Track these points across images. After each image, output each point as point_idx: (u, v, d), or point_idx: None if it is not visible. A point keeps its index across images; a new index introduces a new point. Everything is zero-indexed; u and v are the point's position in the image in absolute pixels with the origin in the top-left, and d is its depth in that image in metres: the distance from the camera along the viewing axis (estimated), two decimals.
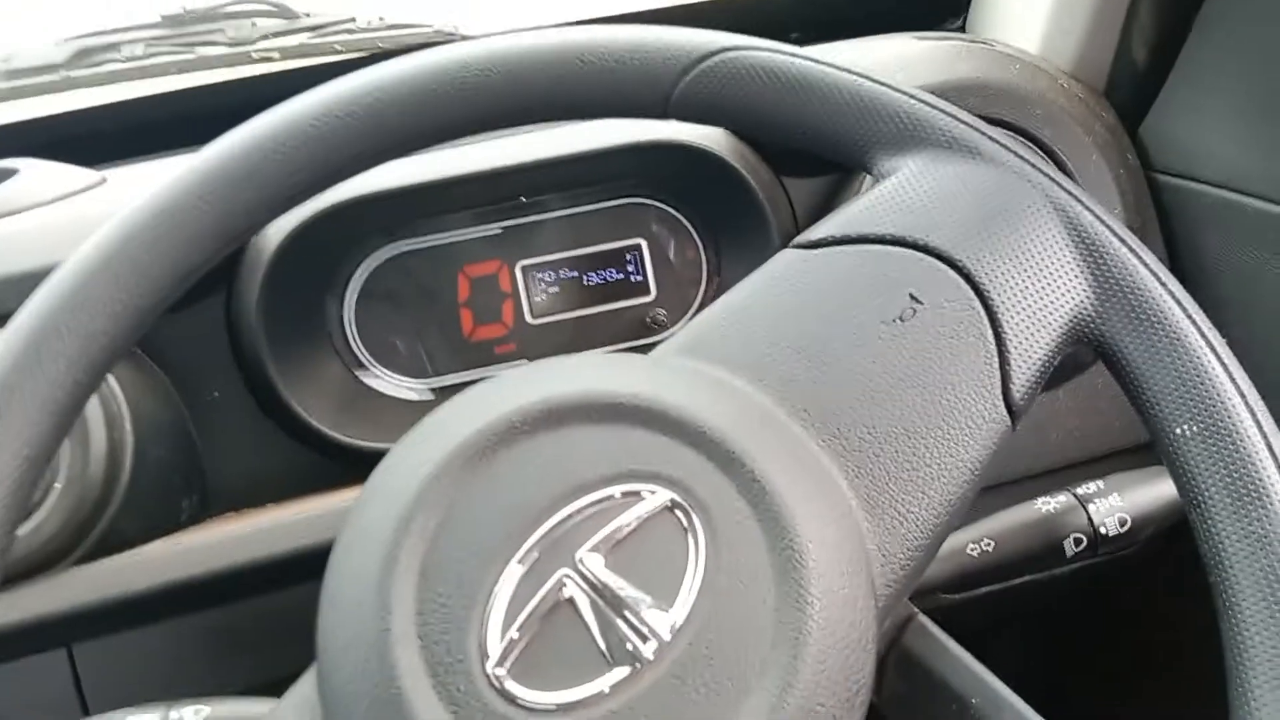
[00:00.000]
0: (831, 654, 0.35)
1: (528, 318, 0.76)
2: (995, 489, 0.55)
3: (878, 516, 0.39)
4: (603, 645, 0.35)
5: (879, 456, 0.40)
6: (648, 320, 0.77)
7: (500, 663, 0.34)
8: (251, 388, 0.68)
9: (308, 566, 0.61)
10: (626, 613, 0.35)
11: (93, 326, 0.41)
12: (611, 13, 0.92)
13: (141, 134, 0.82)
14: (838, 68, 0.46)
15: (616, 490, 0.37)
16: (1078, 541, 0.52)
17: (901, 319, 0.42)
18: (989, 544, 0.51)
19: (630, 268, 0.77)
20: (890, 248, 0.44)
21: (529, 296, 0.76)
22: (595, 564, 0.36)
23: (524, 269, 0.76)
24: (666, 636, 0.35)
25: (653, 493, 0.37)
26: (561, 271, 0.76)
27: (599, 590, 0.35)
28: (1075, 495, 0.53)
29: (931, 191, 0.44)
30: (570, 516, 0.37)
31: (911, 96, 0.46)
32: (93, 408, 0.60)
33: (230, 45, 0.82)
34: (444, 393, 0.75)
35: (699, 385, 0.40)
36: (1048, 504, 0.53)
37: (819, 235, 0.45)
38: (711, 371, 0.42)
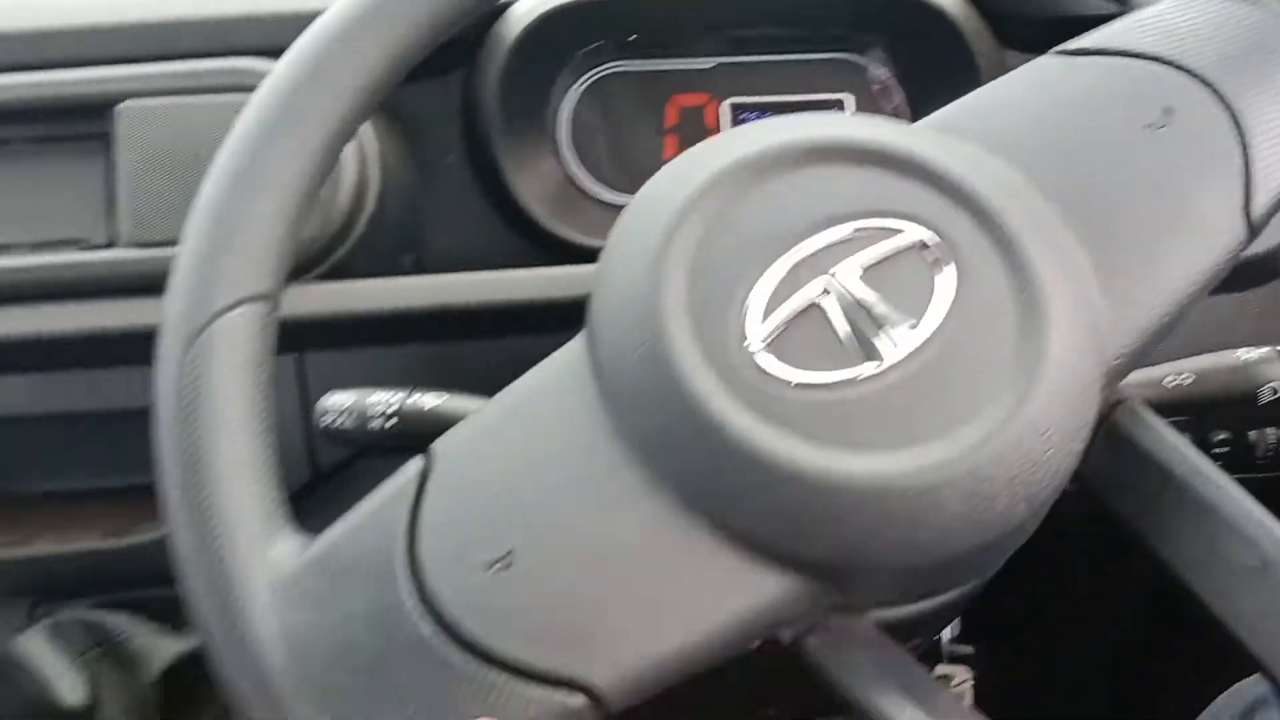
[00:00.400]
0: (1062, 390, 0.39)
1: None
2: None
3: (1113, 296, 0.42)
4: (851, 343, 0.39)
5: (1121, 243, 0.43)
6: None
7: (757, 339, 0.39)
8: (476, 166, 0.72)
9: (511, 319, 0.67)
10: (875, 321, 0.39)
11: (369, 59, 0.45)
12: None
13: None
14: None
15: (875, 223, 0.41)
16: (1273, 391, 0.55)
17: (1156, 127, 0.45)
18: (1187, 378, 0.54)
19: None
20: (1150, 63, 0.46)
21: None
22: (850, 277, 0.40)
23: (731, 106, 0.79)
24: (913, 344, 0.39)
25: (907, 229, 0.41)
26: (767, 115, 0.79)
27: (852, 297, 0.40)
28: (1277, 351, 0.56)
29: (1194, 20, 0.47)
30: (831, 237, 0.41)
31: None
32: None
33: None
34: None
35: (955, 150, 0.44)
36: (1249, 354, 0.55)
37: (1081, 45, 0.48)
38: (966, 144, 0.45)
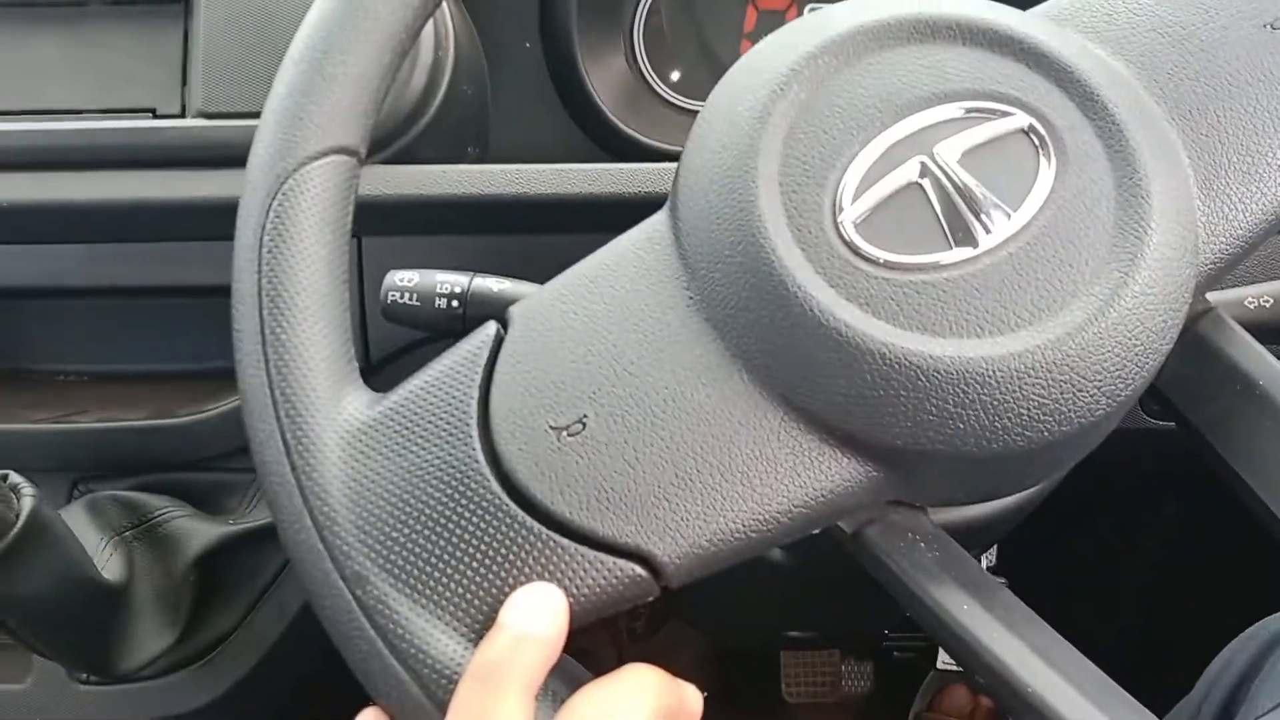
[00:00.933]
0: (1156, 287, 0.38)
1: None
2: None
3: (1211, 197, 0.41)
4: (946, 227, 0.38)
5: (1223, 144, 0.41)
6: None
7: (850, 218, 0.38)
8: (550, 58, 0.71)
9: (580, 212, 0.66)
10: (974, 205, 0.38)
11: None
12: None
13: None
14: None
15: (981, 104, 0.40)
16: None
17: (1273, 26, 0.43)
18: (1267, 300, 0.53)
19: None
20: None
21: None
22: (950, 159, 0.39)
23: (811, 10, 0.77)
24: (1008, 231, 0.38)
25: (1013, 114, 0.40)
26: None
27: (951, 179, 0.38)
28: None
29: None
30: (934, 116, 0.40)
31: None
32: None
33: None
34: None
35: (1064, 38, 0.42)
36: None
37: None
38: (1076, 34, 0.43)
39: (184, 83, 0.64)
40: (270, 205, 0.39)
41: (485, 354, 0.38)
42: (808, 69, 0.40)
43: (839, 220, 0.38)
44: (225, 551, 0.69)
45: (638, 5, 0.75)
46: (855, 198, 0.38)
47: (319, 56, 0.41)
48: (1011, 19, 0.42)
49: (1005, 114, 0.40)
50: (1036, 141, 0.39)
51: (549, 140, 0.73)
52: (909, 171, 0.39)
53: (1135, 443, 0.57)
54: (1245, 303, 0.53)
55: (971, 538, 0.62)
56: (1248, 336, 0.44)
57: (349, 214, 0.41)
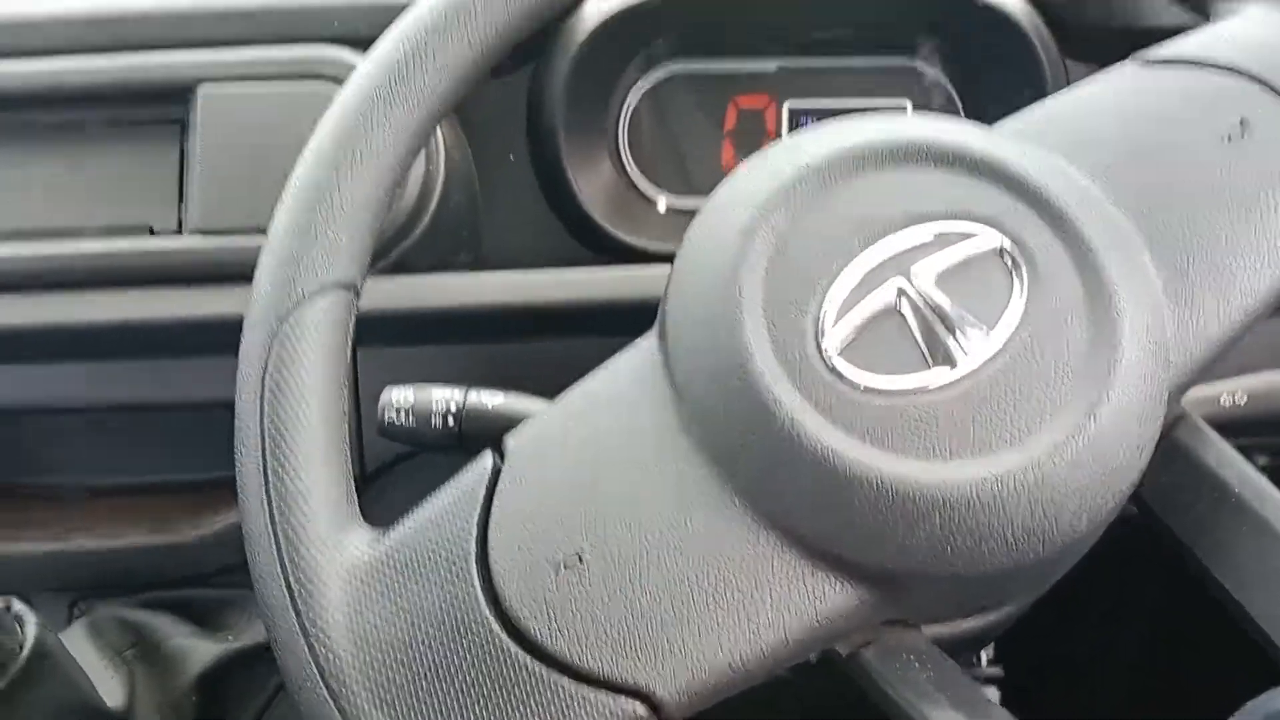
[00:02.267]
0: (1131, 401, 0.39)
1: None
2: None
3: (1180, 308, 0.42)
4: (924, 348, 0.39)
5: (1190, 253, 0.43)
6: None
7: (832, 343, 0.39)
8: (538, 166, 0.73)
9: (568, 319, 0.67)
10: (950, 325, 0.39)
11: (457, 53, 0.45)
12: None
13: None
14: None
15: (953, 226, 0.41)
16: None
17: (1231, 139, 0.45)
18: (1241, 398, 0.54)
19: None
20: (1227, 75, 0.46)
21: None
22: (926, 280, 0.40)
23: (791, 110, 0.79)
24: (986, 353, 0.39)
25: (986, 234, 0.41)
26: (824, 119, 0.79)
27: (927, 301, 0.40)
28: None
29: (1270, 35, 0.47)
30: (909, 239, 0.41)
31: None
32: None
33: None
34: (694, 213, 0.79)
35: (1035, 157, 0.44)
36: None
37: (1161, 55, 0.48)
38: (1043, 151, 0.45)
39: (180, 199, 0.65)
40: (271, 346, 0.40)
41: (482, 490, 0.39)
42: (786, 197, 0.42)
43: (822, 345, 0.39)
44: (226, 670, 0.69)
45: (621, 109, 0.77)
46: (836, 321, 0.39)
47: (315, 195, 0.42)
48: (982, 141, 0.44)
49: (978, 235, 0.41)
50: (1009, 262, 0.41)
51: (539, 243, 0.74)
52: (887, 294, 0.40)
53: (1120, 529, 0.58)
54: (1220, 400, 0.54)
55: (967, 644, 0.63)
56: (1222, 443, 0.45)
57: (347, 346, 0.42)
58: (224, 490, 0.71)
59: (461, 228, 0.71)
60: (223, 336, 0.63)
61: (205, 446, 0.70)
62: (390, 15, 0.65)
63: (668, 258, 0.75)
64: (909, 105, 0.79)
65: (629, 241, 0.74)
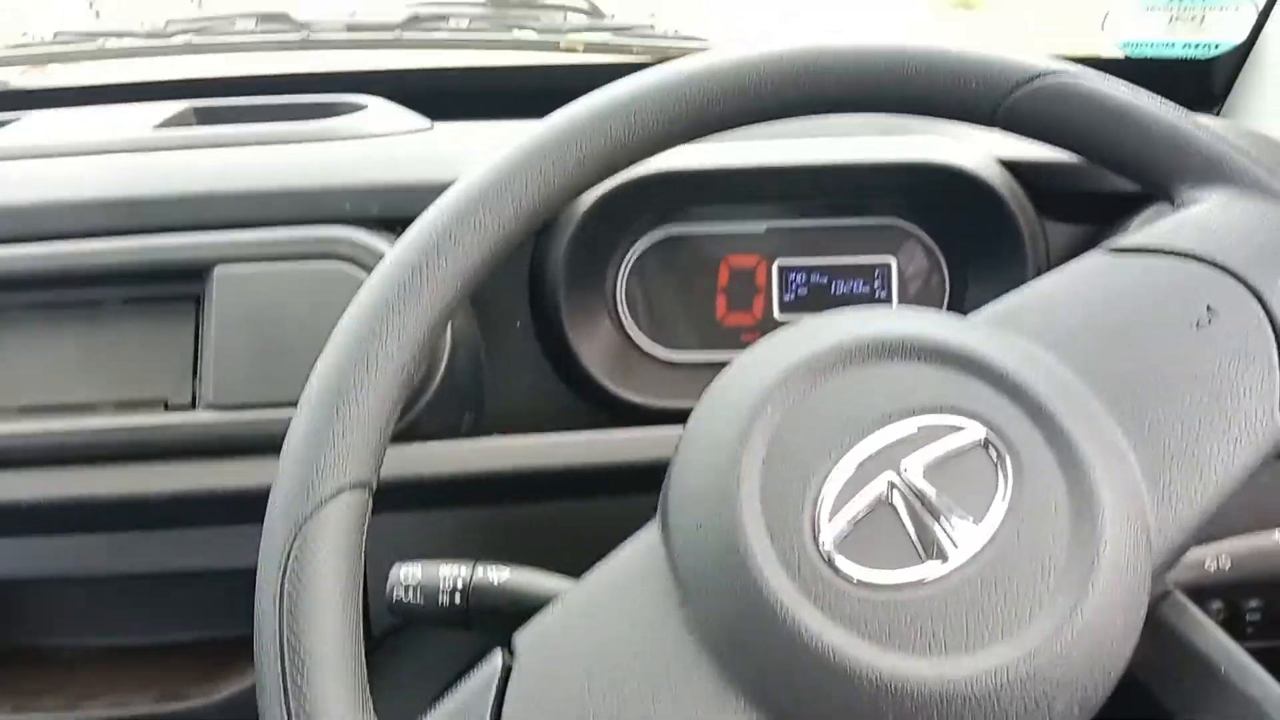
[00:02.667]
0: (1116, 590, 0.40)
1: (775, 313, 0.83)
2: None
3: (1158, 492, 0.44)
4: (917, 541, 0.41)
5: (1166, 440, 0.45)
6: None
7: (829, 538, 0.41)
8: (541, 331, 0.76)
9: (570, 483, 0.69)
10: (940, 518, 0.41)
11: (499, 224, 0.48)
12: None
13: (457, 97, 0.91)
14: (1155, 102, 0.52)
15: (939, 419, 0.44)
16: None
17: (1199, 325, 0.47)
18: (1226, 562, 0.56)
19: (877, 283, 0.83)
20: (1193, 263, 0.49)
21: (780, 294, 0.82)
22: (915, 474, 0.42)
23: (780, 268, 0.82)
24: (975, 546, 0.41)
25: (969, 427, 0.43)
26: (813, 276, 0.83)
27: (918, 495, 0.42)
28: None
29: (1233, 222, 0.50)
30: (896, 434, 0.43)
31: (1220, 138, 0.51)
32: None
33: (542, 33, 0.92)
34: (691, 367, 0.82)
35: (1012, 347, 0.46)
36: None
37: (1128, 244, 0.51)
38: (1020, 340, 0.48)
39: (195, 374, 0.68)
40: (289, 550, 0.41)
41: (493, 691, 0.40)
42: (779, 392, 0.44)
43: (819, 540, 0.41)
44: None
45: (619, 271, 0.80)
46: (832, 516, 0.41)
47: (333, 399, 0.44)
48: (961, 335, 0.46)
49: (963, 427, 0.43)
50: (993, 454, 0.43)
51: (543, 403, 0.77)
52: (879, 487, 0.42)
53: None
54: (1205, 565, 0.56)
55: None
56: (1207, 621, 0.46)
57: (362, 543, 0.44)
58: (230, 654, 0.72)
59: (467, 392, 0.73)
60: (236, 508, 0.65)
61: (214, 610, 0.71)
62: (401, 196, 0.70)
63: (669, 413, 0.78)
64: (894, 262, 0.82)
65: (630, 399, 0.76)
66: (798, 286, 0.83)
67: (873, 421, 0.43)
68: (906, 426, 0.43)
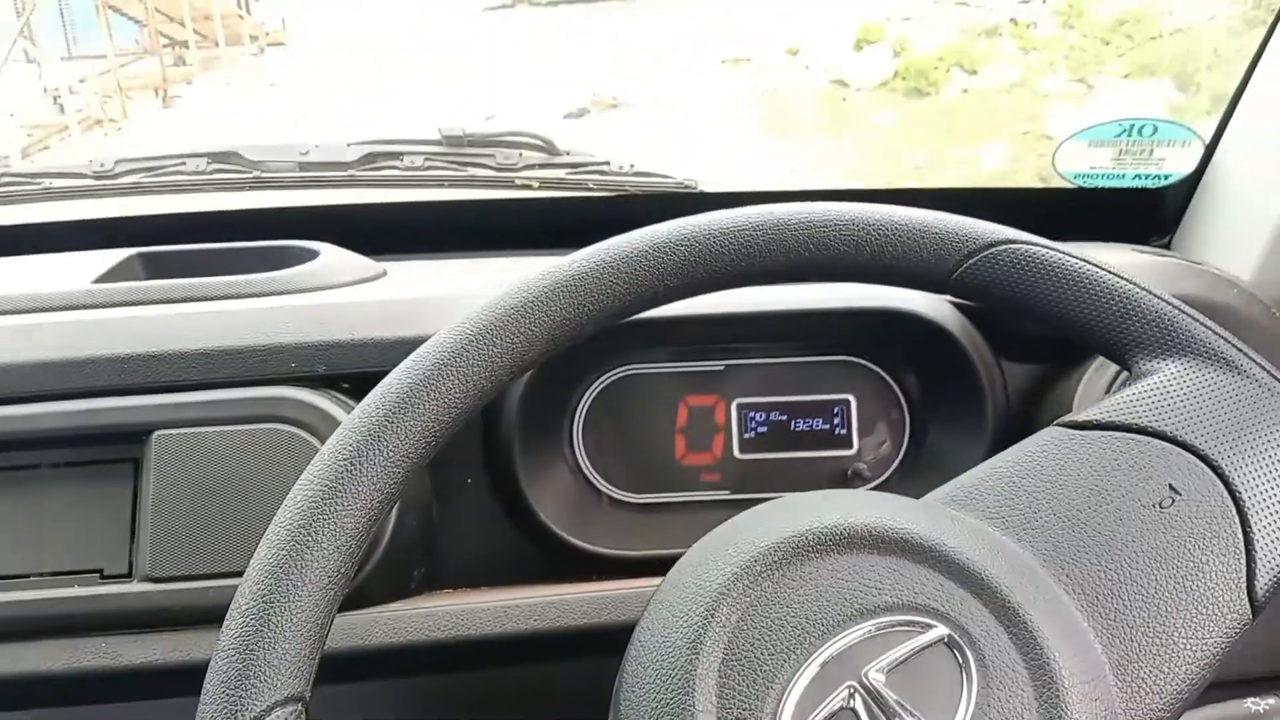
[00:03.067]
0: None
1: (735, 452, 0.81)
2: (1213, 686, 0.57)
3: (1126, 683, 0.43)
4: None
5: (1132, 629, 0.44)
6: (848, 473, 0.82)
7: None
8: (495, 481, 0.74)
9: (522, 649, 0.66)
10: None
11: (442, 408, 0.46)
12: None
13: (413, 234, 0.91)
14: (1109, 271, 0.51)
15: (899, 619, 0.42)
16: None
17: (1161, 506, 0.46)
18: None
19: (837, 420, 0.82)
20: (1153, 440, 0.48)
21: (740, 432, 0.81)
22: (878, 681, 0.41)
23: (739, 406, 0.81)
24: None
25: (932, 626, 0.42)
26: (773, 414, 0.82)
27: (880, 704, 0.40)
28: None
29: (1191, 394, 0.49)
30: (857, 635, 0.42)
31: (1175, 306, 0.51)
32: None
33: (497, 170, 0.92)
34: (651, 509, 0.80)
35: (972, 535, 0.45)
36: (1258, 704, 0.56)
37: (1085, 418, 0.50)
38: (981, 525, 0.46)
39: (133, 541, 0.65)
40: None
41: None
42: (734, 590, 0.42)
43: None
44: None
45: (575, 415, 0.79)
46: None
47: (264, 607, 0.42)
48: (920, 524, 0.45)
49: (925, 625, 0.42)
50: (957, 654, 0.41)
51: (499, 554, 0.75)
52: (841, 697, 0.40)
53: None
54: None
55: None
56: None
57: None
58: None
59: (414, 547, 0.71)
60: (174, 682, 0.62)
61: None
62: (347, 353, 0.69)
63: (630, 560, 0.76)
64: (852, 399, 0.82)
65: (589, 548, 0.74)
66: (757, 425, 0.82)
67: (832, 624, 0.42)
68: (867, 628, 0.42)
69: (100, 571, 0.65)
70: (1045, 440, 0.50)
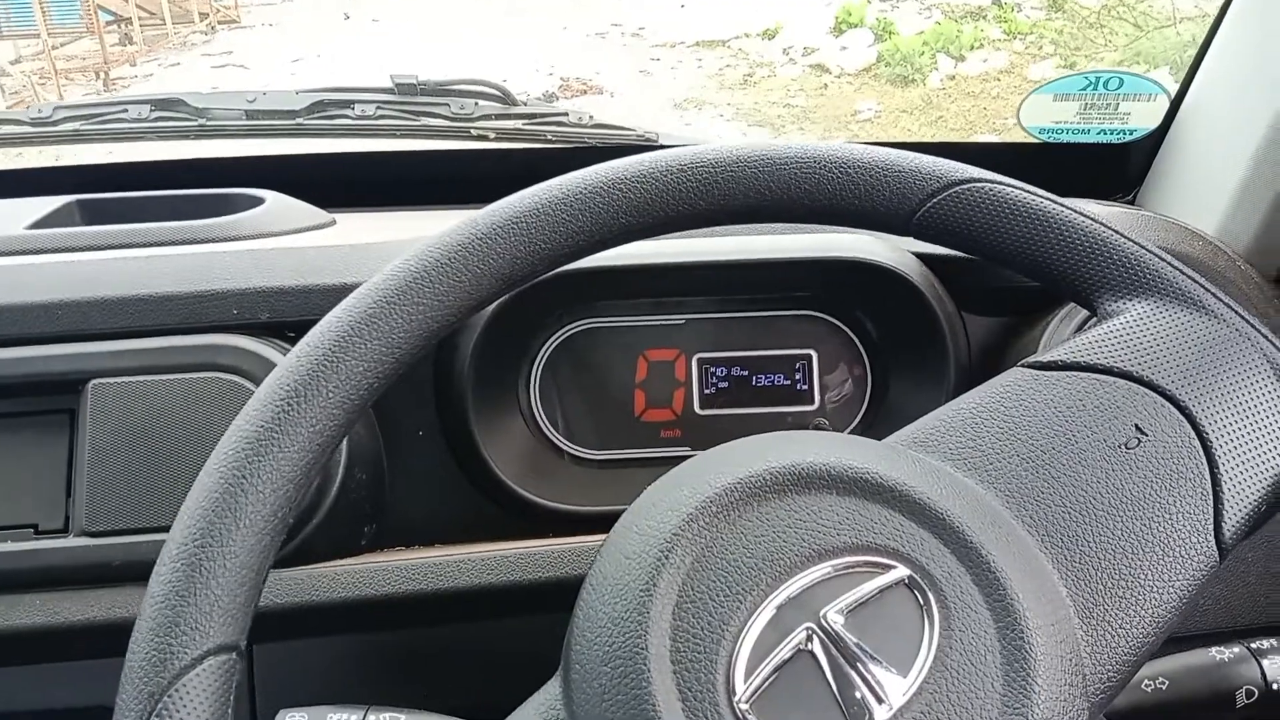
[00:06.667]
0: None
1: (696, 408, 0.80)
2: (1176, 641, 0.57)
3: (1091, 626, 0.42)
4: (840, 698, 0.38)
5: (1097, 571, 0.43)
6: (810, 428, 0.80)
7: (746, 699, 0.37)
8: (449, 435, 0.72)
9: (476, 604, 0.65)
10: (863, 672, 0.38)
11: (386, 349, 0.44)
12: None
13: (364, 186, 0.88)
14: (1075, 210, 0.50)
15: (859, 559, 0.41)
16: (1249, 694, 0.54)
17: (1127, 446, 0.45)
18: (1163, 683, 0.53)
19: (798, 375, 0.81)
20: (1119, 380, 0.47)
21: (700, 388, 0.80)
22: (836, 623, 0.39)
23: (699, 361, 0.80)
24: (899, 700, 0.38)
25: (892, 567, 0.40)
26: (734, 369, 0.80)
27: (839, 646, 0.39)
28: (1249, 649, 0.55)
29: (1159, 335, 0.48)
30: (815, 576, 0.40)
31: (1142, 246, 0.50)
32: None
33: (452, 120, 0.89)
34: (610, 466, 0.79)
35: (934, 476, 0.44)
36: (1222, 653, 0.55)
37: (1050, 359, 0.49)
38: (943, 466, 0.45)
39: (68, 495, 0.63)
40: None
41: None
42: (689, 531, 0.41)
43: (735, 700, 0.37)
44: None
45: (532, 368, 0.77)
46: (749, 674, 0.38)
47: (195, 551, 0.40)
48: (881, 464, 0.43)
49: (885, 566, 0.40)
50: (918, 595, 0.40)
51: (453, 510, 0.73)
52: (798, 639, 0.39)
53: None
54: (1142, 685, 0.53)
55: None
56: None
57: (229, 713, 0.39)
58: None
59: (364, 502, 0.69)
60: (107, 641, 0.60)
61: None
62: (291, 301, 0.66)
63: (587, 516, 0.75)
64: (814, 354, 0.80)
65: (546, 503, 0.73)
66: (718, 381, 0.80)
67: (790, 564, 0.40)
68: (826, 568, 0.40)
69: (35, 527, 0.62)
70: (1009, 381, 0.49)
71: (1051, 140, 0.93)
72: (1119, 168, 0.95)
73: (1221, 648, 0.55)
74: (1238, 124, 0.81)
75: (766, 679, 0.38)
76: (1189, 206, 0.86)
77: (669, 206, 0.48)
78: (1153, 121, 0.91)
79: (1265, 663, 0.55)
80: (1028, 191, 0.50)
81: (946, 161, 0.51)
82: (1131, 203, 0.94)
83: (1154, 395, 0.47)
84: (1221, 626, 0.69)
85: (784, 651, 0.38)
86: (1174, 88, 0.90)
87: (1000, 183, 0.50)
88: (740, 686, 0.38)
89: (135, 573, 0.60)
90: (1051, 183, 0.91)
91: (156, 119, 0.87)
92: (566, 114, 0.92)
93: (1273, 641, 0.56)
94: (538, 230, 0.47)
